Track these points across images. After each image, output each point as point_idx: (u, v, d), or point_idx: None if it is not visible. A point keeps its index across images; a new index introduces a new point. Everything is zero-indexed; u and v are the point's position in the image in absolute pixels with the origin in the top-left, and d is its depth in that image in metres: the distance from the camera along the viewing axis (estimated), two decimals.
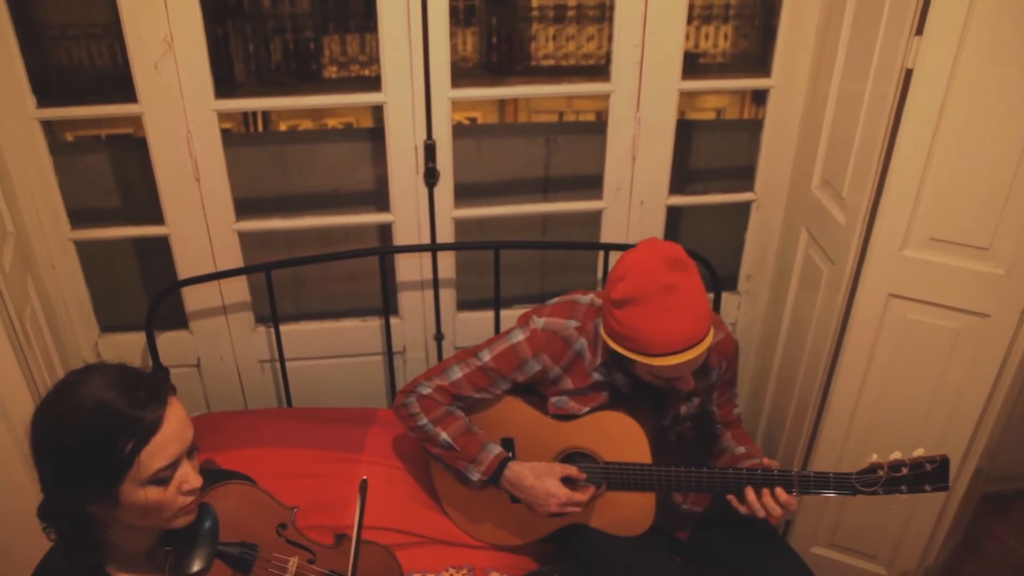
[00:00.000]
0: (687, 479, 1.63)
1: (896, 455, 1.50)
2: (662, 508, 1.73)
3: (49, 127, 2.06)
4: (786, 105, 2.24)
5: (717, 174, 2.64)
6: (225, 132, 2.09)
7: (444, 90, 2.07)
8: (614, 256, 2.29)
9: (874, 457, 1.51)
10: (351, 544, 1.25)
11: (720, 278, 2.31)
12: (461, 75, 2.15)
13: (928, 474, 1.47)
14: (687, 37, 2.13)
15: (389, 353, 2.42)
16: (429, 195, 2.21)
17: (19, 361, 1.71)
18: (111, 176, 2.32)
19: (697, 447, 1.91)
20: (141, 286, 2.46)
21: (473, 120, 3.02)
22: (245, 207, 2.21)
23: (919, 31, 1.64)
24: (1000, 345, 1.78)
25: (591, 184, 2.33)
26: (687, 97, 2.42)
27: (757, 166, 2.35)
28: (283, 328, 2.32)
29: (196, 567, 1.15)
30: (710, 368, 1.70)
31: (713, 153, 2.62)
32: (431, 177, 2.18)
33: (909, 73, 1.68)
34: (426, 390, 1.73)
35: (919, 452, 1.49)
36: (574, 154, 2.54)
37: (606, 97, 2.16)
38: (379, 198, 2.32)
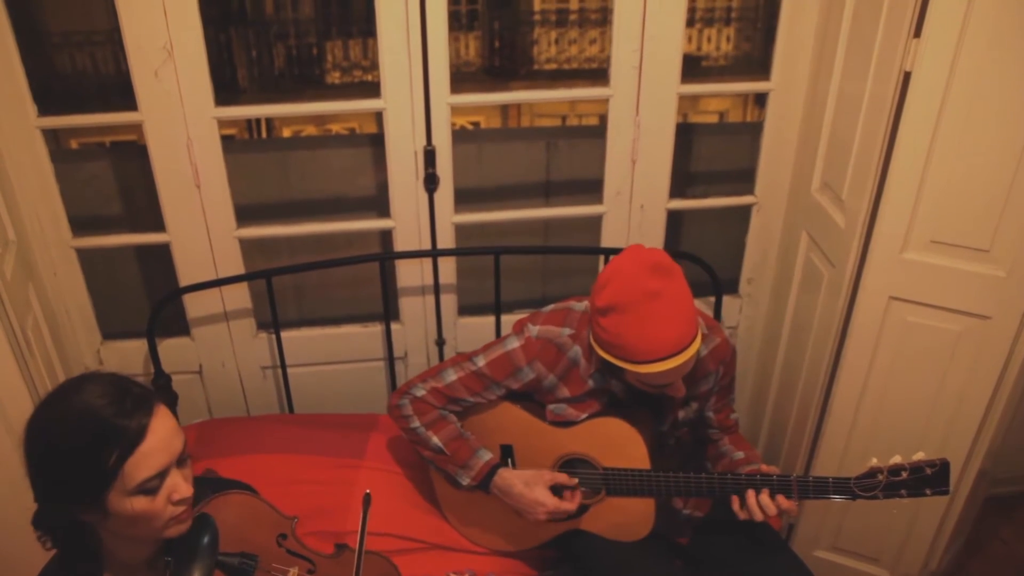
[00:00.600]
0: (686, 484, 1.63)
1: (896, 459, 1.49)
2: (662, 513, 1.73)
3: (53, 134, 2.06)
4: (786, 108, 2.23)
5: (718, 177, 2.64)
6: (229, 138, 2.10)
7: (443, 96, 2.07)
8: None
9: (873, 461, 1.50)
10: (352, 556, 1.25)
11: (721, 281, 2.31)
12: (464, 79, 2.16)
13: (928, 478, 1.46)
14: (689, 40, 2.13)
15: (390, 359, 2.43)
16: (429, 200, 2.21)
17: (21, 369, 1.71)
18: (113, 184, 2.33)
19: (695, 452, 1.90)
20: (143, 293, 2.47)
21: (476, 124, 3.03)
22: (246, 213, 2.22)
23: (917, 34, 1.64)
24: (1002, 347, 1.77)
25: (592, 188, 2.33)
26: (689, 100, 2.41)
27: (757, 169, 2.35)
28: (284, 334, 2.32)
29: None
30: (707, 373, 1.70)
31: (714, 156, 2.62)
32: (431, 183, 2.18)
33: (908, 75, 1.67)
34: (420, 392, 1.73)
35: (919, 456, 1.48)
36: (575, 158, 2.54)
37: (607, 101, 2.16)
38: (380, 204, 2.33)
